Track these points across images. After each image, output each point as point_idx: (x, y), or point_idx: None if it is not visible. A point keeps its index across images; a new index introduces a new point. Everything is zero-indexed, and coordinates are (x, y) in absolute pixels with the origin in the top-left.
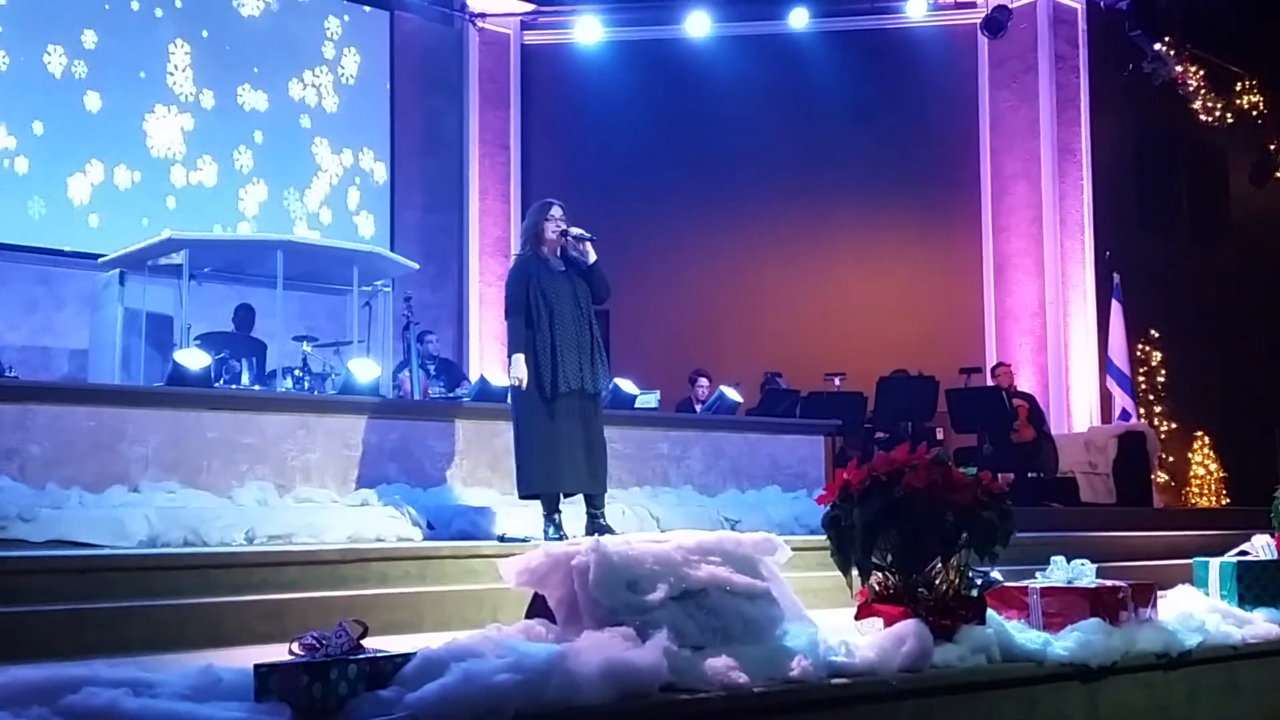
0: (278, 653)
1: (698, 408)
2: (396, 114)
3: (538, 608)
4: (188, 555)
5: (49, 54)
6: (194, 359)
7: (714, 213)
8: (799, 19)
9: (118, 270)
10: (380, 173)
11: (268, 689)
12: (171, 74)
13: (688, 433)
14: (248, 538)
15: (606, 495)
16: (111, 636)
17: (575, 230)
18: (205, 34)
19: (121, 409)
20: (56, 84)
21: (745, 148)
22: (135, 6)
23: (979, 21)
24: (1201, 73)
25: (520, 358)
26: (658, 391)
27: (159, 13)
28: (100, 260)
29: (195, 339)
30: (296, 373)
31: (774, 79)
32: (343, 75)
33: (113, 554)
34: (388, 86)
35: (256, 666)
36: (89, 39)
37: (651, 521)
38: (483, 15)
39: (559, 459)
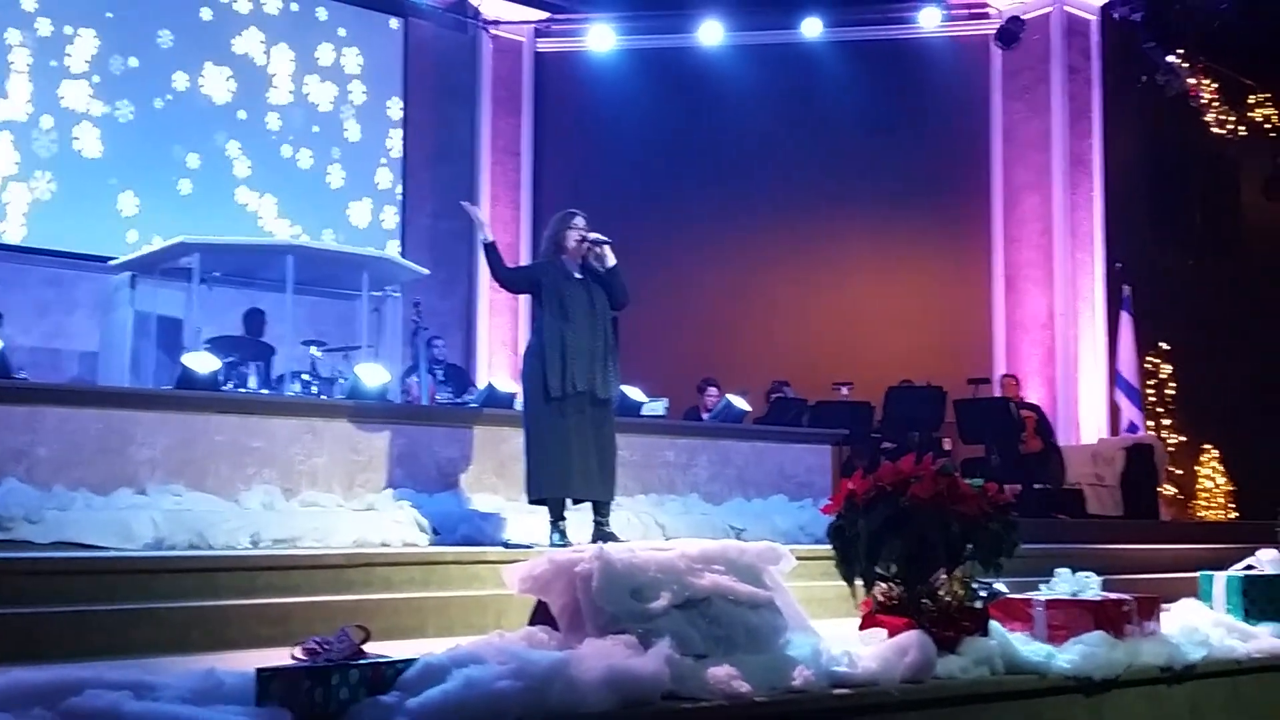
0: (280, 657)
1: (705, 416)
2: (409, 120)
3: (541, 615)
4: (192, 558)
5: None
6: (202, 362)
7: (724, 221)
8: (812, 29)
9: (129, 274)
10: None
11: (269, 693)
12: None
13: (694, 440)
14: (253, 541)
15: (612, 503)
16: (115, 638)
17: (593, 235)
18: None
19: (129, 411)
20: None
21: (756, 157)
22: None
23: (992, 33)
24: (1215, 85)
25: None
26: (665, 399)
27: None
28: (112, 263)
29: (205, 342)
30: (305, 377)
31: (786, 89)
32: (355, 81)
33: (118, 556)
34: (400, 92)
35: (259, 670)
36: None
37: (657, 529)
38: (496, 22)
39: (570, 464)
